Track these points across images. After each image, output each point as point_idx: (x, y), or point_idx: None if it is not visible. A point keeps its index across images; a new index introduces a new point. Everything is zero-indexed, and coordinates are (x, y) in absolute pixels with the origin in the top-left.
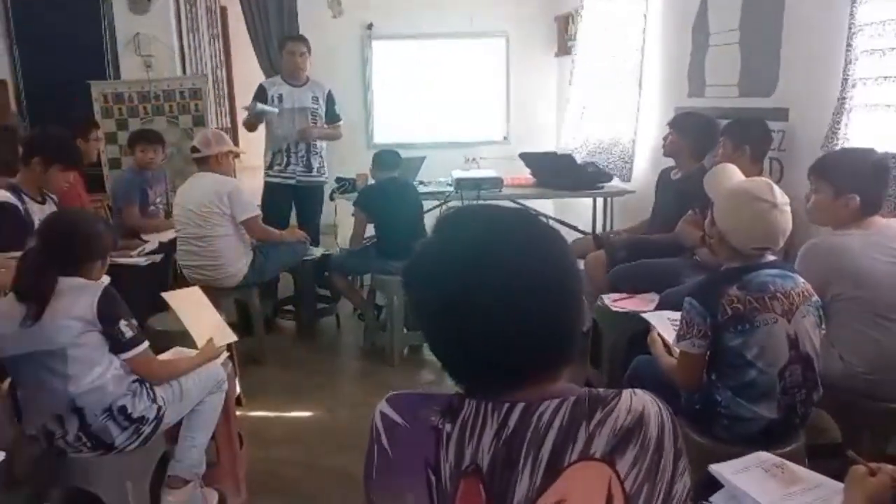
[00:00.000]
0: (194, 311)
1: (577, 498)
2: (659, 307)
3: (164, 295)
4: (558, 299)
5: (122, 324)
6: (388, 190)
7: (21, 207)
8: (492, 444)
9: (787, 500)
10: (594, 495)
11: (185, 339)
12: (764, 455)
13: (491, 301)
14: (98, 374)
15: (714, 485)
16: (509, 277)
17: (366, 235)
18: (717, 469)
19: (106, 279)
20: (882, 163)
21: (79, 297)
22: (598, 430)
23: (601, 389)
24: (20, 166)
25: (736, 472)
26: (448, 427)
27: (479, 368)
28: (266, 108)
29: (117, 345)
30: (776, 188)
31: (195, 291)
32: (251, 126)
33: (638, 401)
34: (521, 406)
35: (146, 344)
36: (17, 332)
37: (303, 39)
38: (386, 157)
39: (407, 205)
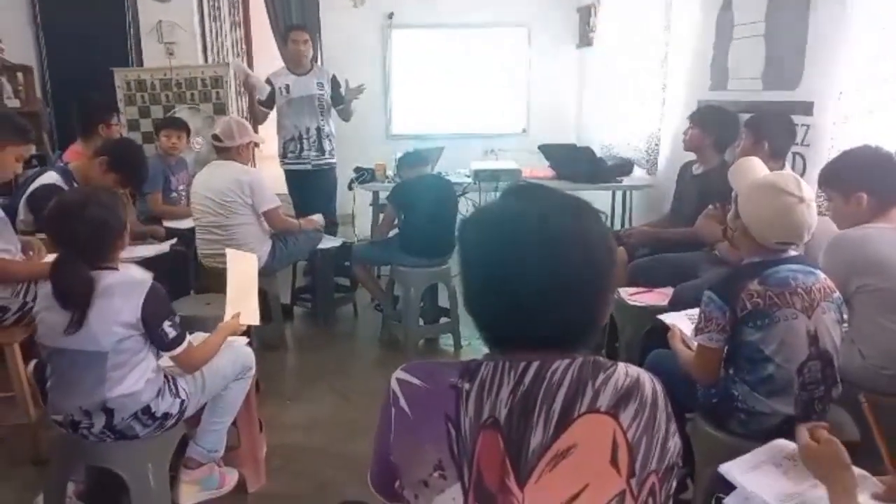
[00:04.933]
0: (241, 278)
1: (587, 444)
2: (672, 301)
3: (229, 251)
4: (592, 288)
5: (166, 324)
6: (426, 188)
7: None
8: (509, 398)
9: (798, 497)
10: (602, 442)
11: (204, 324)
12: (779, 444)
13: (532, 267)
14: (135, 379)
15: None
16: (555, 252)
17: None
18: (726, 469)
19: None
20: (880, 154)
21: (127, 298)
22: (603, 388)
23: (600, 358)
24: (88, 156)
25: (745, 472)
26: (467, 385)
27: (504, 324)
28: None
29: (162, 345)
30: (803, 183)
31: (253, 259)
32: (259, 118)
33: (633, 370)
34: (535, 364)
35: (188, 339)
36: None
37: (305, 28)
38: (412, 156)
39: (441, 206)
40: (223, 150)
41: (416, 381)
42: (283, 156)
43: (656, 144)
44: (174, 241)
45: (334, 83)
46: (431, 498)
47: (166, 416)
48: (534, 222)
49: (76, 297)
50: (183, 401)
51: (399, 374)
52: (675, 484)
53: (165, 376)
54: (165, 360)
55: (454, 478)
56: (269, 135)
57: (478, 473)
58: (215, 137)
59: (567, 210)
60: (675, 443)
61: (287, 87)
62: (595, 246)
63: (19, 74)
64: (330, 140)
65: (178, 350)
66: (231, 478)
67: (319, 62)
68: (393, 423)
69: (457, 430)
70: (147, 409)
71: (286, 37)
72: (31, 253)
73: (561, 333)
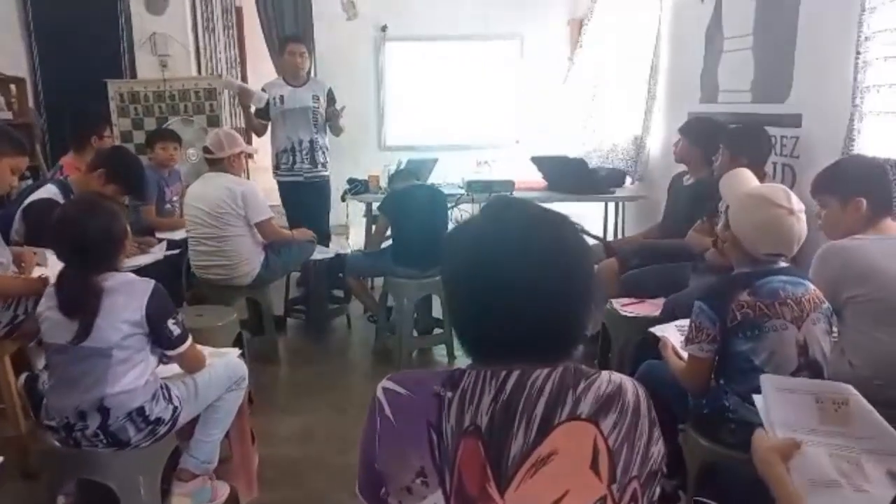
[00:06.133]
0: None
1: (567, 451)
2: (663, 312)
3: None
4: (571, 299)
5: (170, 322)
6: (416, 196)
7: None
8: (490, 406)
9: (811, 434)
10: (582, 448)
11: (196, 334)
12: (841, 387)
13: (513, 280)
14: (134, 377)
15: (710, 484)
16: (534, 264)
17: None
18: (765, 378)
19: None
20: (875, 162)
21: (131, 297)
22: (584, 395)
23: (583, 366)
24: (83, 169)
25: (779, 389)
26: (449, 394)
27: (487, 337)
28: (260, 94)
29: (167, 343)
30: (793, 195)
31: None
32: (259, 130)
33: (616, 376)
34: (516, 373)
35: (191, 338)
36: (73, 324)
37: (303, 40)
38: (404, 173)
39: (432, 216)
40: (214, 161)
41: (400, 389)
42: (276, 167)
43: (635, 156)
44: (164, 244)
45: (330, 97)
46: None
47: (159, 420)
48: (513, 236)
49: (84, 307)
50: (176, 407)
51: (385, 383)
52: (658, 490)
53: (161, 385)
54: (161, 369)
55: (436, 484)
56: (262, 146)
57: (459, 480)
58: (206, 150)
59: (545, 224)
60: (658, 449)
61: (281, 97)
62: (573, 257)
63: (11, 86)
64: (323, 153)
65: (183, 347)
66: (223, 491)
67: (314, 74)
68: (378, 431)
69: (439, 437)
70: (141, 411)
71: (283, 48)
72: (23, 265)
73: (542, 344)
